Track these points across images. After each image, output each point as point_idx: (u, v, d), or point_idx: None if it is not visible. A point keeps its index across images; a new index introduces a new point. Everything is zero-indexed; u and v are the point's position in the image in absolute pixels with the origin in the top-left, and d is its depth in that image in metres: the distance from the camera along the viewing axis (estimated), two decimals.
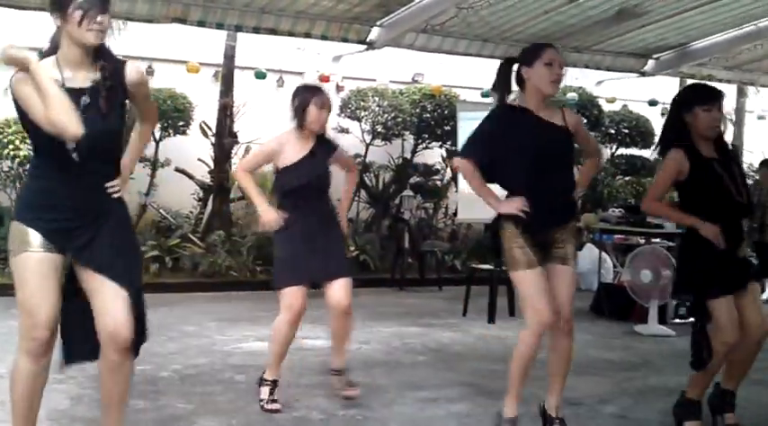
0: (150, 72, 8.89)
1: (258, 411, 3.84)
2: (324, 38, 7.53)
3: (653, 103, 11.54)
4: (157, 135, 8.78)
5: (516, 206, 3.32)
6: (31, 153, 2.93)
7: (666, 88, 11.20)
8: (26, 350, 2.64)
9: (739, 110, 12.50)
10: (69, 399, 3.87)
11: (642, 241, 7.57)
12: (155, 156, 8.96)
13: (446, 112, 9.92)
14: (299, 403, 3.97)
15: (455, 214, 9.07)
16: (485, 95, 10.28)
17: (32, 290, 2.60)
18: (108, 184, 2.70)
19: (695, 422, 3.58)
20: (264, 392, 3.88)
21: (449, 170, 10.19)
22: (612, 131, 11.30)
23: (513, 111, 3.44)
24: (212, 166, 9.10)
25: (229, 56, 8.91)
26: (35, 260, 2.61)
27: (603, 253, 8.21)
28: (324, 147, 3.95)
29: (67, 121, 2.50)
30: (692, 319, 3.63)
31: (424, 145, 10.32)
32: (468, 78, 10.17)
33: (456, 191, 7.98)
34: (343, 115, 9.64)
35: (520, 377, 3.39)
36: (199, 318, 6.27)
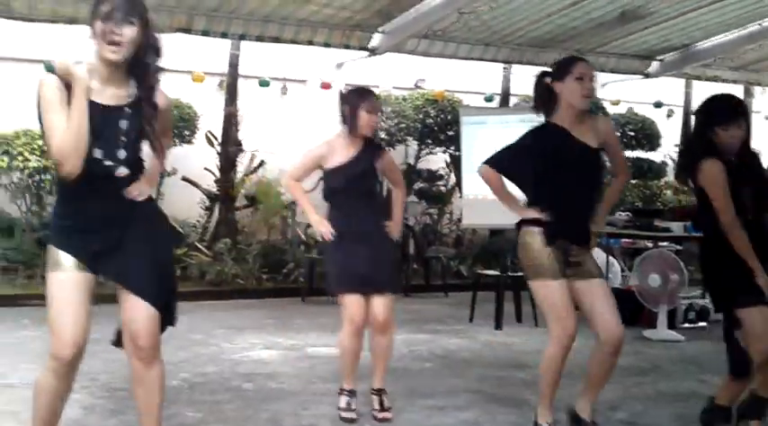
0: None
1: (266, 419, 3.83)
2: (326, 45, 7.57)
3: (658, 105, 11.42)
4: None
5: (539, 212, 3.34)
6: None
7: (671, 90, 11.11)
8: (52, 367, 2.63)
9: None
10: (82, 409, 3.87)
11: (650, 245, 7.53)
12: None
13: (449, 117, 9.89)
14: (307, 412, 3.97)
15: (460, 219, 9.04)
16: (488, 100, 10.28)
17: (60, 309, 2.58)
18: (129, 189, 2.63)
19: None
20: (342, 401, 3.90)
21: (452, 175, 10.18)
22: (618, 134, 11.26)
23: (547, 128, 3.44)
24: (218, 175, 9.12)
25: (233, 65, 8.92)
26: (64, 280, 2.59)
27: (611, 258, 8.17)
28: (370, 149, 3.94)
29: (72, 156, 2.45)
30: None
31: (428, 150, 10.30)
32: (471, 83, 10.16)
33: (460, 197, 7.94)
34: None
35: (550, 386, 3.38)
36: (206, 326, 6.27)
